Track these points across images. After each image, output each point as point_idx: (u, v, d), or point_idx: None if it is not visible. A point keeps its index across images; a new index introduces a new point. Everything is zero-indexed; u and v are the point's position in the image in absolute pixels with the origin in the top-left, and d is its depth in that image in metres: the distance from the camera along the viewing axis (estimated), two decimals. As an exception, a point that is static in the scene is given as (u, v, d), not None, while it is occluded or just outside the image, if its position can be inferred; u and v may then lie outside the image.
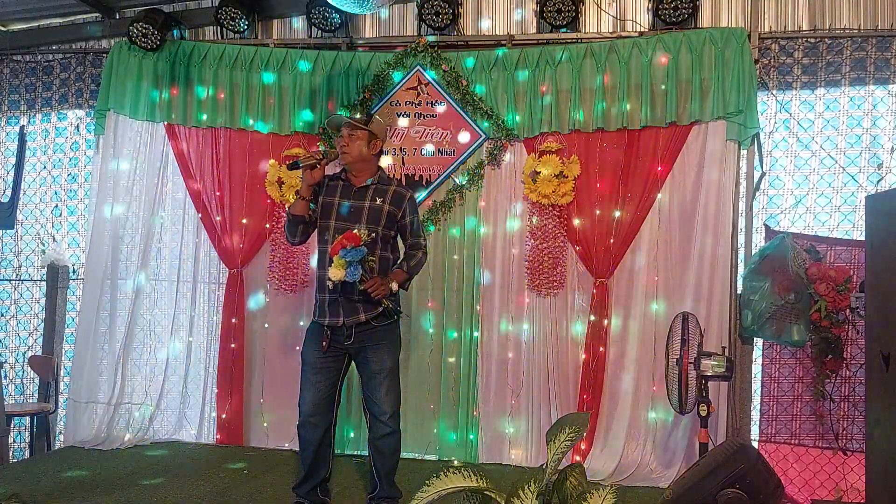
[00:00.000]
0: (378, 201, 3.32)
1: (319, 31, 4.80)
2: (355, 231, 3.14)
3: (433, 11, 4.55)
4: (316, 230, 3.40)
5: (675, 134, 4.32)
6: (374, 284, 3.16)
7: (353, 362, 3.42)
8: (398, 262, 3.42)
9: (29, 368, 5.18)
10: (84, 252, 5.08)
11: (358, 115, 3.43)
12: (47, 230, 5.31)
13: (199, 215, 4.83)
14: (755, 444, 4.03)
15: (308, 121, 4.73)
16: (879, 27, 4.32)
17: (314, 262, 4.22)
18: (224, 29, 4.86)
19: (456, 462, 4.40)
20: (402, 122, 4.68)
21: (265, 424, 4.74)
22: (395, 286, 3.27)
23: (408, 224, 3.41)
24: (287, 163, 3.41)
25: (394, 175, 4.63)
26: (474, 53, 4.58)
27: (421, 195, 4.60)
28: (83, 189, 5.24)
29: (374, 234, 3.22)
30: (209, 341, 4.86)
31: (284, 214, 3.74)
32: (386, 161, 4.65)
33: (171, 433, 4.81)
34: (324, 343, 3.28)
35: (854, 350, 4.02)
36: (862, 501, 3.62)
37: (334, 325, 3.26)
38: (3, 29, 5.30)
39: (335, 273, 3.10)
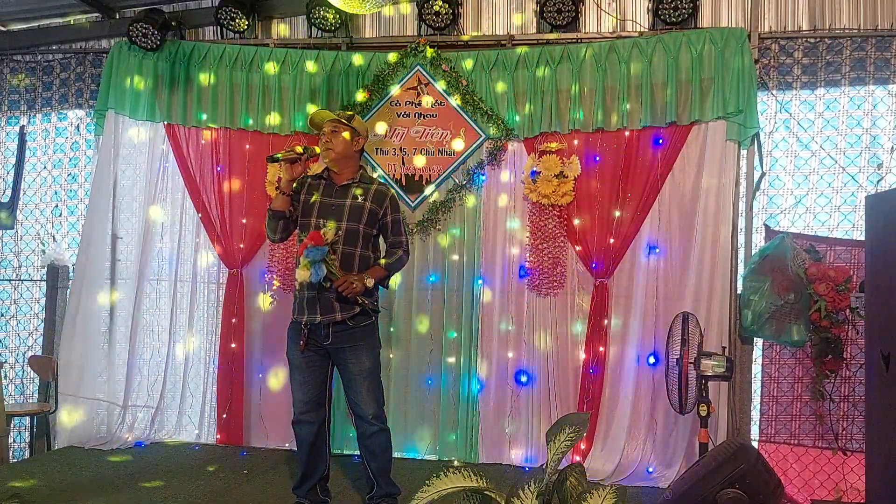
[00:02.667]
0: (360, 199, 3.32)
1: (319, 31, 4.80)
2: (322, 229, 3.13)
3: (433, 11, 4.56)
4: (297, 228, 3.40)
5: (675, 134, 4.33)
6: (345, 283, 3.15)
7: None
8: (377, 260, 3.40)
9: (29, 368, 5.18)
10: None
11: (339, 113, 3.40)
12: (47, 230, 5.31)
13: (199, 215, 4.83)
14: (755, 444, 4.03)
15: (308, 121, 4.74)
16: (879, 27, 4.33)
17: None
18: (224, 29, 4.86)
19: (456, 462, 4.40)
20: (403, 122, 4.68)
21: (265, 424, 4.74)
22: (370, 282, 3.24)
23: (389, 223, 3.40)
24: (268, 156, 3.36)
25: (393, 175, 4.65)
26: (474, 53, 4.59)
27: (421, 195, 4.61)
28: (83, 189, 5.23)
29: (340, 232, 3.19)
30: (209, 341, 4.86)
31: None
32: (386, 161, 4.66)
33: (171, 433, 4.81)
34: (301, 342, 3.28)
35: (854, 350, 4.02)
36: (862, 501, 3.62)
37: (311, 322, 3.25)
38: (3, 29, 5.30)
39: (301, 274, 3.12)
